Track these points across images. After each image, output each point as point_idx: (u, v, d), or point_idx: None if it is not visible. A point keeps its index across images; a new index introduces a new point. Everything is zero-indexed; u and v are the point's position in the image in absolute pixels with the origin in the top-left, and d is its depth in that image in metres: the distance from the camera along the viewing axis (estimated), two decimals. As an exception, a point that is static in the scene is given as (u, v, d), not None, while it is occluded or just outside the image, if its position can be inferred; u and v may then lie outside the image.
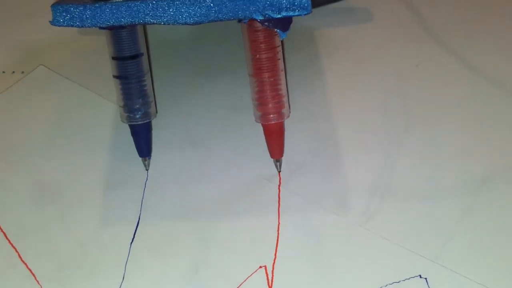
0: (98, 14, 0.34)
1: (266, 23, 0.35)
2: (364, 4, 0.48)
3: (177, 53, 0.46)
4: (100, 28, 0.35)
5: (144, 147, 0.39)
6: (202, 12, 0.34)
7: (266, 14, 0.34)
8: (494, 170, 0.38)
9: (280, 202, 0.37)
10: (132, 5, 0.34)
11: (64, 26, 0.34)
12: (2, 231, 0.37)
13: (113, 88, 0.39)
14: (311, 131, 0.41)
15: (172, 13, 0.34)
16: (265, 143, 0.39)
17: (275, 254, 0.35)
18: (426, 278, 0.34)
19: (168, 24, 0.34)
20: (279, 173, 0.39)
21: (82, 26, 0.34)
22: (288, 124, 0.39)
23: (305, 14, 0.34)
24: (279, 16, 0.34)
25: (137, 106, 0.38)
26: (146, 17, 0.34)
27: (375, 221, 0.36)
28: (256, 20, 0.35)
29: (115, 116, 0.42)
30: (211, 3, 0.34)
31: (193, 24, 0.34)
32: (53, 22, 0.35)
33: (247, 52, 0.37)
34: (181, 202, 0.38)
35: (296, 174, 0.38)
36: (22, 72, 0.45)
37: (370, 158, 0.39)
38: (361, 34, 0.46)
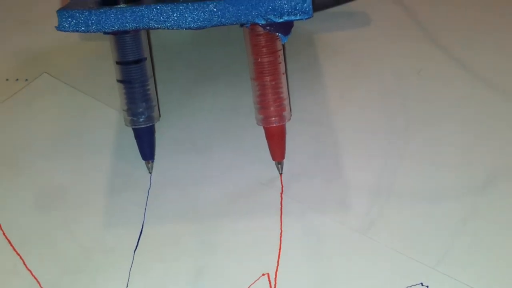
0: (103, 20, 0.34)
1: (268, 27, 0.36)
2: (363, 8, 0.49)
3: (179, 56, 0.46)
4: (105, 33, 0.36)
5: (147, 150, 0.40)
6: (205, 17, 0.34)
7: (268, 18, 0.34)
8: (495, 172, 0.38)
9: (282, 210, 0.37)
10: (137, 10, 0.34)
11: (69, 31, 0.35)
12: (6, 238, 0.37)
13: (115, 94, 0.39)
14: (311, 133, 0.41)
15: (176, 18, 0.34)
16: (267, 146, 0.39)
17: (278, 262, 0.35)
18: (427, 286, 0.33)
19: (172, 29, 0.35)
20: (280, 175, 0.39)
21: (87, 31, 0.35)
22: (289, 127, 0.39)
23: (307, 19, 0.34)
24: (280, 20, 0.34)
25: (141, 109, 0.39)
26: (150, 22, 0.34)
27: (376, 228, 0.36)
28: (258, 24, 0.35)
29: (117, 121, 0.42)
30: (214, 8, 0.34)
31: (196, 28, 0.35)
32: (59, 28, 0.35)
33: (249, 56, 0.38)
34: (183, 205, 0.38)
35: (297, 178, 0.39)
36: (26, 80, 0.45)
37: (370, 160, 0.39)
38: (360, 37, 0.47)
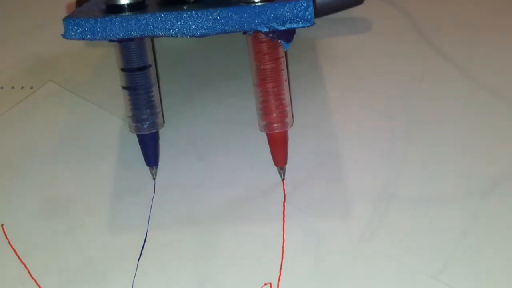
0: (109, 27, 0.35)
1: (271, 35, 0.36)
2: (364, 14, 0.49)
3: (183, 63, 0.47)
4: (110, 40, 0.36)
5: (151, 156, 0.40)
6: (209, 24, 0.35)
7: (271, 26, 0.35)
8: (498, 176, 0.38)
9: (285, 219, 0.37)
10: (142, 18, 0.35)
11: (75, 39, 0.35)
12: (11, 247, 0.37)
13: (119, 102, 0.40)
14: (313, 138, 0.41)
15: (180, 26, 0.35)
16: (269, 152, 0.39)
17: (280, 271, 0.35)
18: None
19: (176, 36, 0.35)
20: (282, 180, 0.39)
21: (93, 39, 0.35)
22: (291, 132, 0.39)
23: (309, 26, 0.35)
24: (283, 28, 0.35)
25: (145, 116, 0.39)
26: (155, 30, 0.35)
27: (378, 237, 0.36)
28: (261, 31, 0.35)
29: (121, 129, 0.42)
30: (217, 16, 0.34)
31: (200, 36, 0.35)
32: (65, 36, 0.35)
33: (251, 63, 0.38)
34: (186, 211, 0.38)
35: (299, 183, 0.39)
36: (31, 87, 0.45)
37: (372, 166, 0.39)
38: (361, 43, 0.47)
